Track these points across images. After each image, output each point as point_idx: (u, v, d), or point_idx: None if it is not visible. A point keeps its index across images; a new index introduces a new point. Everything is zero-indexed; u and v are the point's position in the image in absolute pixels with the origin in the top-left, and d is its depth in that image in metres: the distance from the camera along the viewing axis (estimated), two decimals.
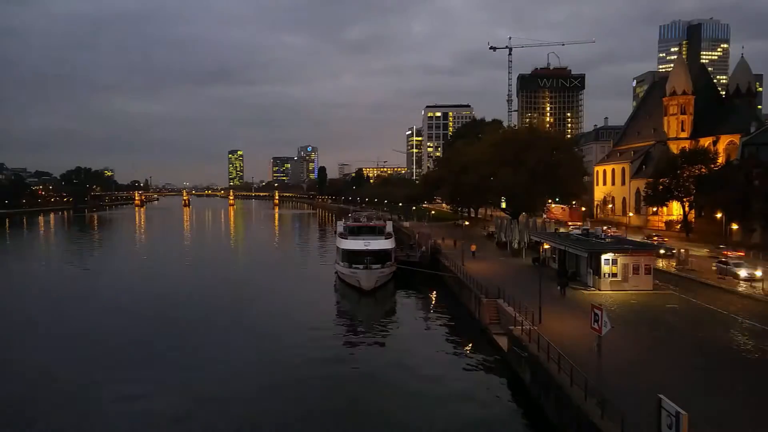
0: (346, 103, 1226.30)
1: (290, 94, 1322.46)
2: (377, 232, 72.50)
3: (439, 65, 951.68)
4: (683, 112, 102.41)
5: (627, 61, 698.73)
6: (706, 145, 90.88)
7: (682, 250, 59.69)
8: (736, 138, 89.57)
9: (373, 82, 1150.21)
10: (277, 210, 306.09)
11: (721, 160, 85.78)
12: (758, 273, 48.96)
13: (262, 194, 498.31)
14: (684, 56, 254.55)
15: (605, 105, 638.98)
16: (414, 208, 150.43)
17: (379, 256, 62.95)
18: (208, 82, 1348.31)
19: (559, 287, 44.77)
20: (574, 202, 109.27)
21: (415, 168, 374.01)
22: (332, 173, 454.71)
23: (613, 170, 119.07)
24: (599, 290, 45.43)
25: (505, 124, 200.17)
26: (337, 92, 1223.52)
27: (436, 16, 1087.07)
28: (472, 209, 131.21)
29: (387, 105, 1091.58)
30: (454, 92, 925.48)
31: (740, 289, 46.42)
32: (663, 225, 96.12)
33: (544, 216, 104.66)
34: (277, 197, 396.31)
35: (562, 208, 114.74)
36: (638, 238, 71.84)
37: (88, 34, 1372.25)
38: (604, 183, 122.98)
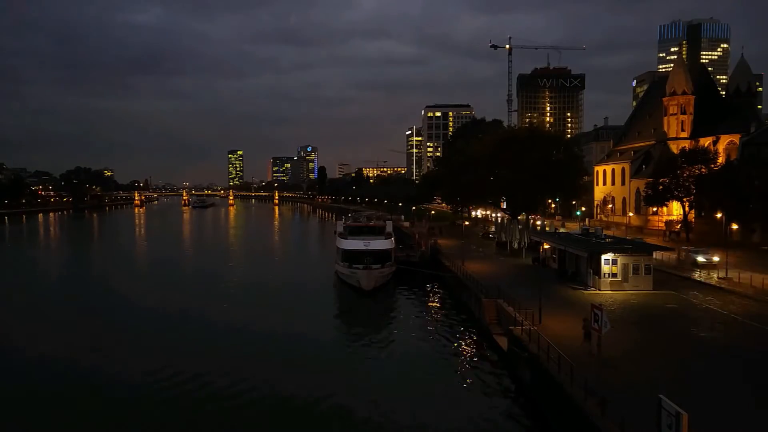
0: (304, 97, 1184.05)
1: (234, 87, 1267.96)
2: (377, 232, 72.48)
3: (403, 53, 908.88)
4: (683, 112, 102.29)
5: (615, 50, 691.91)
6: (706, 145, 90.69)
7: (683, 252, 59.19)
8: (736, 138, 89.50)
9: (329, 74, 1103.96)
10: (276, 210, 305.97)
11: (721, 160, 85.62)
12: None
13: (262, 194, 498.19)
14: (684, 56, 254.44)
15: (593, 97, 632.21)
16: (414, 208, 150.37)
17: (379, 256, 62.93)
18: (134, 72, 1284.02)
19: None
20: (574, 202, 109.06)
21: (415, 168, 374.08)
22: (332, 173, 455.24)
23: (613, 170, 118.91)
24: (599, 290, 45.43)
25: (505, 123, 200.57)
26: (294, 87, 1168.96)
27: None
28: (471, 209, 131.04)
29: (349, 100, 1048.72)
30: (423, 83, 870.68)
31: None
32: (663, 225, 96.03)
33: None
34: (276, 197, 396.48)
35: None
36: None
37: None
38: (604, 183, 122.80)
